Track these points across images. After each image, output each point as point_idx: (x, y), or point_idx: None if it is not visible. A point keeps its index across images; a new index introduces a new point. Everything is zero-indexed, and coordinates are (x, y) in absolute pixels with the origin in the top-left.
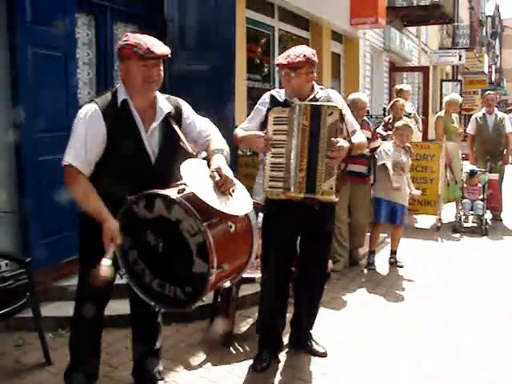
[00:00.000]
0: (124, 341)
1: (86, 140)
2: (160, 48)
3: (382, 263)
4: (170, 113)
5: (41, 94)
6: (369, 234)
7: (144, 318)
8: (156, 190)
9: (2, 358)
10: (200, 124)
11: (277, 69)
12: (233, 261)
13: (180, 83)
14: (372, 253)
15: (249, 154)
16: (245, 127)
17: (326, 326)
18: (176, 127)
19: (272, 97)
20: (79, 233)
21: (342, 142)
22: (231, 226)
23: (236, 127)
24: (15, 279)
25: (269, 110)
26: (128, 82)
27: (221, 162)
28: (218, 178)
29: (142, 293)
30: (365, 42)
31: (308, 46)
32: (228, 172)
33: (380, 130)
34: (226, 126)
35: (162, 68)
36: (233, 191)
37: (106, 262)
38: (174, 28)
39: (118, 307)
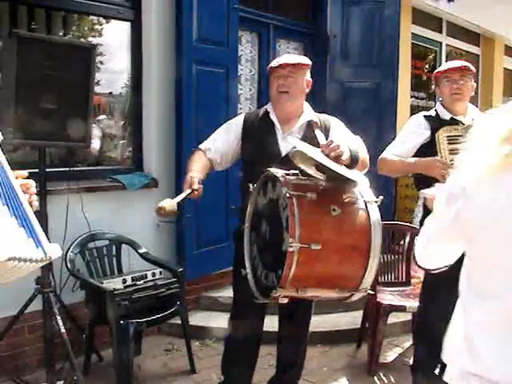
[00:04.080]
0: (268, 358)
1: (219, 137)
2: (287, 58)
3: None
4: (311, 120)
5: (203, 109)
6: None
7: (292, 337)
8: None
9: (152, 360)
10: (340, 139)
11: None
12: (333, 251)
13: (341, 100)
14: None
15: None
16: (398, 153)
17: None
18: (318, 133)
19: (427, 117)
20: (235, 247)
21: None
22: (334, 210)
23: None
24: (167, 287)
25: (434, 130)
26: (270, 94)
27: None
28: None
29: (256, 289)
30: None
31: (478, 62)
32: (335, 140)
33: None
34: (388, 145)
35: (295, 79)
36: (342, 164)
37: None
38: (337, 44)
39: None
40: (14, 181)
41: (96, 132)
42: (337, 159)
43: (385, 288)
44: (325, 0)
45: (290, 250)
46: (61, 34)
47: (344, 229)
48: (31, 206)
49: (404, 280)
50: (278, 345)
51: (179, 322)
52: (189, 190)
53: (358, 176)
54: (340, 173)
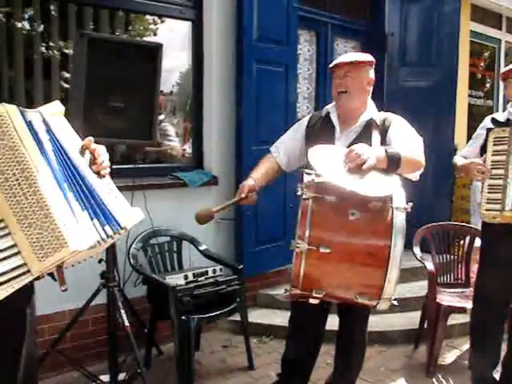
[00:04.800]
0: (325, 356)
1: (287, 137)
2: (344, 57)
3: None
4: (371, 119)
5: (262, 107)
6: None
7: (350, 334)
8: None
9: (210, 355)
10: (396, 142)
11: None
12: (345, 255)
13: (398, 99)
14: None
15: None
16: (463, 154)
17: None
18: (375, 134)
19: (493, 119)
20: None
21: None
22: (353, 214)
23: (455, 147)
24: (228, 284)
25: (488, 131)
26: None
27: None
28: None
29: None
30: None
31: None
32: (357, 148)
33: None
34: (445, 145)
35: (353, 78)
36: (363, 171)
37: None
38: (394, 43)
39: None
40: (75, 156)
41: (171, 130)
42: (359, 168)
43: (444, 289)
44: None
45: (297, 250)
46: (118, 33)
47: (360, 234)
48: (100, 174)
49: (463, 281)
50: (337, 344)
51: (237, 318)
52: (235, 199)
53: (385, 183)
54: (355, 191)
